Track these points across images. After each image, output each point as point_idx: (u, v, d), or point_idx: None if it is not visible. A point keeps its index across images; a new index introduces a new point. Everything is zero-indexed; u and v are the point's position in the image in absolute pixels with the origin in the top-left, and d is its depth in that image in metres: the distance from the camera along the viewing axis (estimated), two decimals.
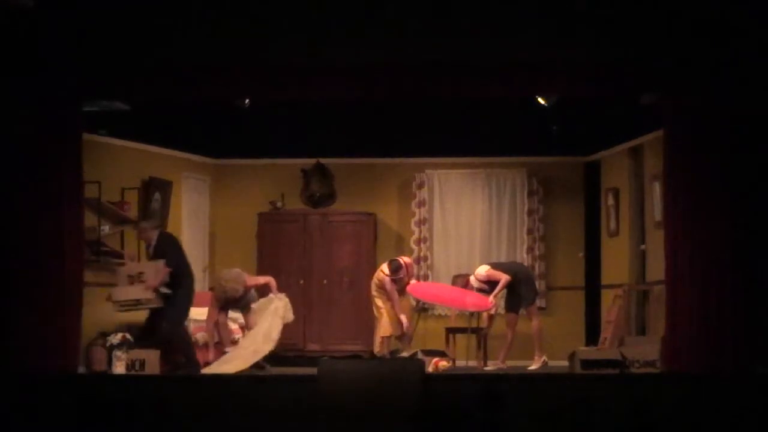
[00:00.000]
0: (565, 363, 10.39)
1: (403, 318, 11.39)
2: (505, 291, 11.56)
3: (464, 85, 9.97)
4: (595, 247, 12.96)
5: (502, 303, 11.78)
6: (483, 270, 11.54)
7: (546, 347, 11.65)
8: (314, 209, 13.02)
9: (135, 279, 10.44)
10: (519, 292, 11.48)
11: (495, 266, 11.62)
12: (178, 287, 10.44)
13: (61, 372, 9.33)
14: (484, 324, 11.69)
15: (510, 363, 11.52)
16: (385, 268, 11.48)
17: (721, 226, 9.30)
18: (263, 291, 11.12)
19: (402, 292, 11.53)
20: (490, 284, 11.46)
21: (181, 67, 9.84)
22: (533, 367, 11.35)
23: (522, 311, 11.57)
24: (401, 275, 11.40)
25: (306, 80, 9.91)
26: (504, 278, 11.34)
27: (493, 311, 11.64)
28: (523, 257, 12.95)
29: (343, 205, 13.15)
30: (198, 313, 11.77)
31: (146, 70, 9.89)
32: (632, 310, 11.79)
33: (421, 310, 12.44)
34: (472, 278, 11.62)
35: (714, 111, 9.40)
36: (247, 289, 10.90)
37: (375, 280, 11.59)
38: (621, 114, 11.21)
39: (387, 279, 11.38)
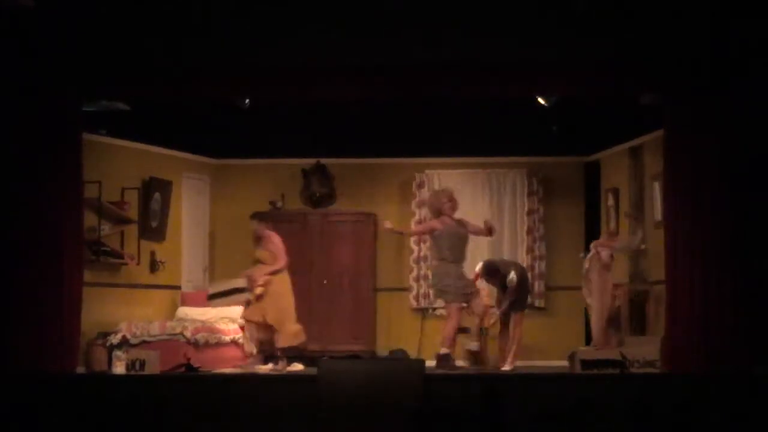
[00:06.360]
0: (565, 363, 10.37)
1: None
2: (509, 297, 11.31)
3: (464, 85, 9.98)
4: None
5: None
6: (478, 267, 11.43)
7: (544, 348, 11.59)
8: (314, 209, 13.00)
9: None
10: (514, 294, 11.28)
11: (492, 261, 11.47)
12: None
13: (61, 372, 9.34)
14: (484, 323, 11.63)
15: None
16: None
17: (720, 226, 9.30)
18: None
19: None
20: (490, 276, 11.24)
21: (181, 67, 9.84)
22: (506, 368, 11.02)
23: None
24: None
25: (306, 80, 9.92)
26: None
27: (486, 300, 11.44)
28: (523, 257, 12.92)
29: (343, 205, 13.13)
30: (198, 313, 11.76)
31: (146, 71, 9.89)
32: (632, 310, 11.76)
33: (424, 310, 12.40)
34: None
35: (714, 111, 9.40)
36: None
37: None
38: (621, 114, 11.20)
39: None
